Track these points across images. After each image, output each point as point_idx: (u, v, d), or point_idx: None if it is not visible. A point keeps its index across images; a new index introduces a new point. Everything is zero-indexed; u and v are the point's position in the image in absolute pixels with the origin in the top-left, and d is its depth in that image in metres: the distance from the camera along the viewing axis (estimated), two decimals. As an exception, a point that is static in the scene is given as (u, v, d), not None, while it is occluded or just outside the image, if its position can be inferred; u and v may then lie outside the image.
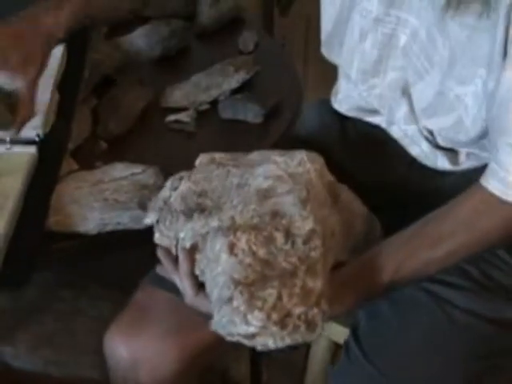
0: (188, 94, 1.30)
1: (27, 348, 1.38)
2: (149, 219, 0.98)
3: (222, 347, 1.12)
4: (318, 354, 1.30)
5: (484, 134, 1.00)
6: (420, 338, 0.99)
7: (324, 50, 1.15)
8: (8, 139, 1.11)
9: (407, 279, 0.96)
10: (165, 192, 0.99)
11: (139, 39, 1.39)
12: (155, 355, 1.06)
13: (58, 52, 1.26)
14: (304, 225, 0.87)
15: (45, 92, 1.18)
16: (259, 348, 0.83)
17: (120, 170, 1.12)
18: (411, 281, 0.97)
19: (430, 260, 0.96)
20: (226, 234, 0.86)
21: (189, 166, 1.04)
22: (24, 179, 1.07)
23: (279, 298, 0.82)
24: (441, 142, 1.08)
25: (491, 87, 0.93)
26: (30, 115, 1.06)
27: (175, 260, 0.93)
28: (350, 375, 1.01)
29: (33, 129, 1.13)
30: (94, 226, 1.06)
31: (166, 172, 1.13)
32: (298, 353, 1.37)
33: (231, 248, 0.85)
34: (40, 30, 1.09)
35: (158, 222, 0.97)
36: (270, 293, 0.82)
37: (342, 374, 1.03)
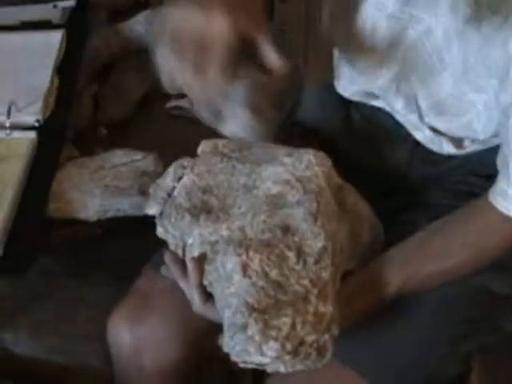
0: (188, 80, 1.30)
1: (28, 334, 1.37)
2: (151, 210, 0.96)
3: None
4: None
5: (494, 135, 1.00)
6: (400, 299, 1.00)
7: (328, 37, 1.14)
8: (8, 124, 1.11)
9: (412, 292, 0.96)
10: (167, 182, 0.97)
11: (139, 25, 1.38)
12: (159, 342, 1.06)
13: (57, 37, 1.26)
14: (315, 242, 0.86)
15: (45, 77, 1.18)
16: (269, 371, 0.83)
17: (120, 157, 1.12)
18: (415, 293, 0.97)
19: (435, 275, 0.95)
20: (238, 253, 0.85)
21: (189, 152, 1.03)
22: (24, 165, 1.07)
23: (293, 326, 0.81)
24: (445, 132, 1.08)
25: (504, 101, 0.93)
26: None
27: (183, 265, 0.92)
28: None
29: (32, 114, 1.13)
30: (95, 212, 1.06)
31: (166, 158, 1.13)
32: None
33: (244, 269, 0.84)
34: None
35: (161, 214, 0.95)
36: (284, 322, 0.81)
37: None
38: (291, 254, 0.85)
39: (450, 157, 1.08)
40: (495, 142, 1.00)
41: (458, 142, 1.07)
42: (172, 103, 1.26)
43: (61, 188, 1.07)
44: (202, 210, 0.91)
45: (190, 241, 0.90)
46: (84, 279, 1.45)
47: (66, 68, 1.24)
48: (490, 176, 1.02)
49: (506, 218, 0.92)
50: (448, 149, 1.07)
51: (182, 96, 1.28)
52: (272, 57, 0.85)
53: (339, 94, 1.19)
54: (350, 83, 1.16)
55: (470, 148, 1.06)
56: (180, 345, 1.06)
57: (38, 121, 1.13)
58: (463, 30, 0.94)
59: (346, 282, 0.92)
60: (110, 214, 1.07)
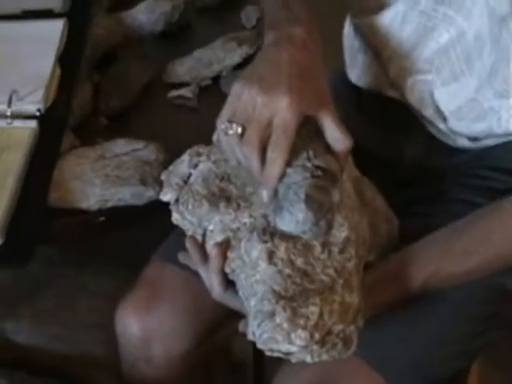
0: (190, 70, 1.30)
1: (29, 324, 1.37)
2: (166, 196, 0.95)
3: (232, 325, 1.12)
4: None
5: None
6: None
7: (357, 21, 1.13)
8: (9, 113, 1.11)
9: (434, 290, 0.95)
10: (182, 167, 0.95)
11: (141, 14, 1.38)
12: (168, 333, 1.06)
13: (58, 26, 1.25)
14: (339, 233, 0.85)
15: (46, 66, 1.18)
16: (293, 361, 0.82)
17: (121, 146, 1.11)
18: (435, 292, 0.97)
19: (458, 274, 0.94)
20: (264, 239, 0.84)
21: (191, 141, 1.03)
22: (25, 154, 1.07)
23: (321, 315, 0.80)
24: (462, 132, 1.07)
25: None
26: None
27: (203, 251, 0.91)
28: None
29: (34, 103, 1.13)
30: (96, 202, 1.06)
31: (168, 148, 1.12)
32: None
33: (270, 256, 0.82)
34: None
35: (176, 201, 0.94)
36: (312, 310, 0.80)
37: None
38: (316, 244, 0.84)
39: (464, 150, 1.08)
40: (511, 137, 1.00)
41: (472, 137, 1.06)
42: (174, 92, 1.26)
43: (61, 177, 1.07)
44: (220, 198, 0.90)
45: (210, 227, 0.89)
46: (85, 268, 1.45)
47: (68, 57, 1.24)
48: (505, 170, 1.02)
49: None
50: (463, 143, 1.07)
51: (185, 85, 1.28)
52: (335, 134, 0.84)
53: (351, 83, 1.19)
54: (364, 73, 1.15)
55: (485, 142, 1.06)
56: (189, 335, 1.06)
57: (39, 110, 1.13)
58: (498, 33, 0.93)
59: (367, 274, 0.90)
60: (110, 204, 1.06)
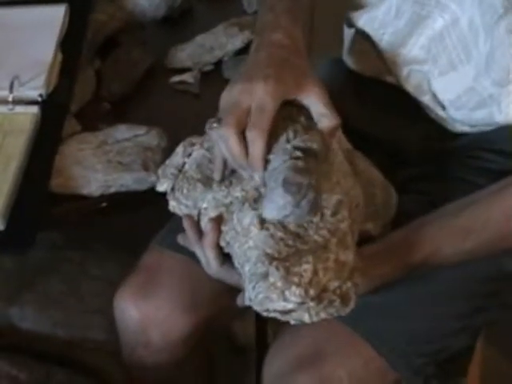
0: (192, 55, 1.29)
1: (34, 309, 1.38)
2: (162, 187, 0.96)
3: (232, 311, 1.12)
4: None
5: None
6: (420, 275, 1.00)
7: (352, 14, 1.13)
8: (11, 99, 1.11)
9: (434, 266, 0.95)
10: (177, 158, 0.97)
11: (143, 0, 1.37)
12: (166, 318, 1.06)
13: (60, 11, 1.25)
14: (331, 196, 0.85)
15: (47, 52, 1.18)
16: (292, 323, 0.82)
17: (123, 132, 1.11)
18: (437, 268, 0.97)
19: (458, 253, 0.93)
20: (254, 207, 0.85)
21: (193, 127, 1.03)
22: (27, 140, 1.07)
23: (315, 272, 0.81)
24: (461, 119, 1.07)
25: None
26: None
27: (199, 230, 0.91)
28: None
29: (35, 89, 1.13)
30: (97, 187, 1.06)
31: (170, 133, 1.12)
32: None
33: (261, 222, 0.83)
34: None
35: (172, 189, 0.95)
36: (306, 268, 0.81)
37: None
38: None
39: (463, 134, 1.08)
40: None
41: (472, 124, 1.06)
42: (176, 78, 1.26)
43: (63, 163, 1.07)
44: (213, 179, 0.90)
45: (204, 205, 0.90)
46: (88, 253, 1.46)
47: (69, 43, 1.24)
48: (503, 152, 1.02)
49: None
50: (462, 127, 1.07)
51: (186, 70, 1.28)
52: (320, 110, 0.86)
53: (350, 69, 1.19)
54: (363, 60, 1.15)
55: (483, 127, 1.06)
56: (187, 320, 1.06)
57: (40, 95, 1.13)
58: (492, 24, 0.92)
59: (368, 247, 0.92)
60: (112, 190, 1.07)
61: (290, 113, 0.88)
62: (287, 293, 0.80)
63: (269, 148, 0.85)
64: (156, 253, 1.09)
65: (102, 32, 1.30)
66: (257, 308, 0.82)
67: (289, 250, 0.82)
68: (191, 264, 0.99)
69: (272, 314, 0.81)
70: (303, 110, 0.88)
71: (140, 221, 1.16)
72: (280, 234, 0.83)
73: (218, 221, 0.87)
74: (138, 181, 1.07)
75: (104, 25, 1.31)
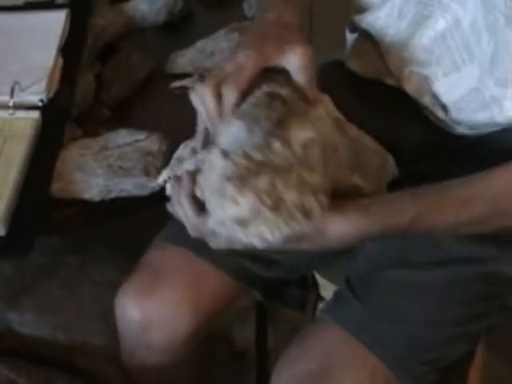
0: (193, 60, 1.30)
1: (34, 314, 1.38)
2: (161, 177, 0.96)
3: (231, 312, 1.12)
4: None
5: None
6: (407, 276, 1.00)
7: (355, 17, 1.14)
8: (11, 104, 1.11)
9: (421, 231, 0.93)
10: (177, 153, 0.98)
11: (143, 5, 1.37)
12: (169, 318, 1.06)
13: (61, 17, 1.25)
14: (303, 133, 0.86)
15: (48, 57, 1.18)
16: (255, 242, 0.81)
17: (124, 137, 1.11)
18: (424, 233, 0.96)
19: (448, 220, 0.93)
20: (221, 147, 0.86)
21: (193, 132, 1.03)
22: (28, 145, 1.07)
23: (272, 185, 0.81)
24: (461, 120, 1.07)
25: None
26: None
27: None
28: (333, 306, 1.02)
29: (36, 94, 1.13)
30: (98, 192, 1.06)
31: (171, 138, 1.12)
32: (305, 319, 1.38)
33: (225, 154, 0.84)
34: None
35: (169, 178, 0.96)
36: (263, 180, 0.81)
37: (326, 306, 1.03)
38: (276, 142, 0.84)
39: (464, 136, 1.08)
40: None
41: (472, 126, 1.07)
42: (176, 83, 1.26)
43: (64, 168, 1.07)
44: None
45: (186, 165, 0.90)
46: (88, 258, 1.46)
47: (70, 48, 1.24)
48: (501, 154, 1.02)
49: None
50: (462, 130, 1.07)
51: (187, 76, 1.28)
52: (295, 64, 0.89)
53: (351, 71, 1.19)
54: (364, 62, 1.15)
55: (483, 129, 1.06)
56: (189, 321, 1.06)
57: (41, 100, 1.13)
58: (493, 20, 0.93)
59: (363, 199, 0.91)
60: (113, 194, 1.07)
61: (269, 76, 0.90)
62: (240, 198, 0.80)
63: None
64: (159, 249, 1.10)
65: (103, 37, 1.30)
66: (216, 227, 0.82)
67: (249, 172, 0.82)
68: (194, 258, 1.00)
69: (230, 229, 0.81)
70: (284, 74, 0.90)
71: (140, 226, 1.16)
72: (244, 161, 0.82)
73: (194, 172, 0.88)
74: (139, 186, 1.07)
75: (104, 30, 1.31)
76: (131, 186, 1.07)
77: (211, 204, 0.83)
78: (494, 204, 0.92)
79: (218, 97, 0.88)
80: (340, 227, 0.87)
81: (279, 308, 1.20)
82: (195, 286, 1.05)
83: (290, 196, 0.81)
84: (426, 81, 1.04)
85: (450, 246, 1.01)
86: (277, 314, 1.60)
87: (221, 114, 0.88)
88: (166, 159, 1.05)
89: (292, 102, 0.88)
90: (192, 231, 0.89)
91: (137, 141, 1.11)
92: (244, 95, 0.88)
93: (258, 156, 0.83)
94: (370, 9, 1.08)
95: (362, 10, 1.10)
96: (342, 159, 0.91)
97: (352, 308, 1.00)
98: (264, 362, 1.52)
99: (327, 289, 1.23)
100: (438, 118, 1.07)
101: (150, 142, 1.11)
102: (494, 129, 1.04)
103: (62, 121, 1.13)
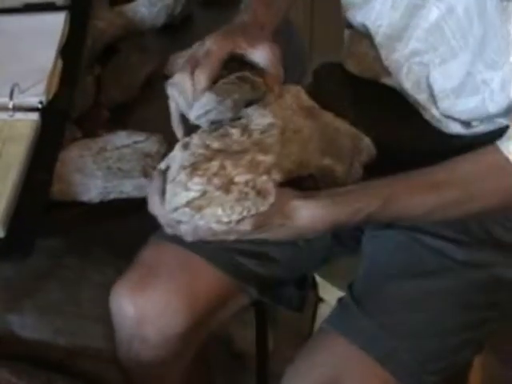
0: (192, 62, 1.29)
1: (34, 317, 1.38)
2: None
3: (228, 309, 1.12)
4: (324, 323, 1.30)
5: (503, 114, 0.99)
6: (414, 286, 1.00)
7: (349, 13, 1.14)
8: (11, 106, 1.11)
9: (395, 213, 0.94)
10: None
11: (143, 7, 1.38)
12: (163, 313, 1.06)
13: (60, 19, 1.25)
14: (263, 120, 0.88)
15: (48, 59, 1.18)
16: (215, 226, 0.83)
17: (123, 138, 1.12)
18: (396, 219, 0.96)
19: (421, 202, 0.94)
20: (184, 140, 0.90)
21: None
22: (27, 147, 1.07)
23: (222, 167, 0.83)
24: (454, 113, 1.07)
25: None
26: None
27: None
28: (339, 318, 1.01)
29: (36, 96, 1.13)
30: (97, 194, 1.06)
31: (170, 140, 1.12)
32: (305, 321, 1.37)
33: (185, 146, 0.87)
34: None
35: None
36: (213, 164, 0.83)
37: (332, 318, 1.03)
38: (235, 131, 0.87)
39: (458, 136, 1.08)
40: (504, 122, 1.00)
41: (465, 122, 1.06)
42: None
43: (63, 170, 1.07)
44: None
45: (159, 166, 0.92)
46: (88, 260, 1.45)
47: (70, 50, 1.24)
48: None
49: (506, 161, 0.91)
50: (456, 128, 1.07)
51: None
52: (261, 54, 0.94)
53: (349, 72, 1.19)
54: (361, 62, 1.16)
55: (478, 128, 1.06)
56: (183, 316, 1.06)
57: (41, 102, 1.13)
58: (483, 4, 0.93)
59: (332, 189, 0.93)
60: (112, 196, 1.07)
61: (240, 65, 0.94)
62: (189, 183, 0.82)
63: None
64: (154, 246, 1.10)
65: (102, 39, 1.31)
66: (170, 212, 0.85)
67: (204, 159, 0.84)
68: (189, 255, 1.00)
69: (181, 212, 0.83)
70: (254, 68, 0.94)
71: (140, 227, 1.16)
72: (201, 150, 0.85)
73: (164, 170, 0.90)
74: (138, 187, 1.07)
75: (104, 32, 1.31)
76: (130, 187, 1.07)
77: (167, 194, 0.85)
78: (464, 189, 0.93)
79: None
80: (311, 213, 0.88)
81: (279, 309, 1.20)
82: (189, 282, 1.06)
83: (241, 177, 0.83)
84: (423, 75, 1.04)
85: (456, 252, 1.02)
86: (277, 315, 1.60)
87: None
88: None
89: (260, 89, 0.92)
90: (166, 227, 0.91)
91: (136, 142, 1.11)
92: (216, 79, 0.92)
93: (215, 144, 0.85)
94: (363, 2, 1.09)
95: (356, 3, 1.11)
96: (311, 143, 0.92)
97: (360, 320, 0.99)
98: (264, 363, 1.52)
99: (327, 290, 1.23)
100: (432, 116, 1.08)
101: (148, 143, 1.11)
102: (487, 128, 1.04)
103: (61, 122, 1.13)
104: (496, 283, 1.02)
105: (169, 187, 0.85)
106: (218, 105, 0.86)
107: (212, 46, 0.93)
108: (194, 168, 0.83)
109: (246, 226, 0.85)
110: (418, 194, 0.93)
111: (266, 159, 0.84)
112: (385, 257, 1.05)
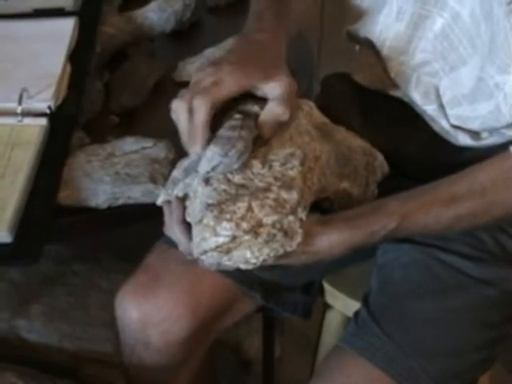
0: (201, 68, 1.30)
1: (41, 322, 1.38)
2: (160, 199, 0.97)
3: (233, 315, 1.12)
4: (331, 329, 1.30)
5: None
6: (431, 304, 0.99)
7: (352, 27, 1.14)
8: (19, 111, 1.11)
9: (412, 230, 0.94)
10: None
11: (152, 13, 1.38)
12: (167, 318, 1.07)
13: (69, 24, 1.25)
14: (282, 150, 0.87)
15: (56, 64, 1.18)
16: (242, 266, 0.83)
17: (131, 144, 1.12)
18: (413, 234, 0.96)
19: (438, 217, 0.93)
20: (203, 173, 0.88)
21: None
22: (35, 152, 1.08)
23: (249, 209, 0.82)
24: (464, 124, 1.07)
25: None
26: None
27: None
28: (357, 337, 1.01)
29: (44, 101, 1.13)
30: (105, 200, 1.06)
31: (178, 146, 1.12)
32: (311, 327, 1.37)
33: (207, 181, 0.86)
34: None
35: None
36: (240, 206, 0.82)
37: (349, 336, 1.02)
38: (256, 162, 0.86)
39: (467, 148, 1.07)
40: None
41: (474, 133, 1.06)
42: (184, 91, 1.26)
43: (71, 175, 1.07)
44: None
45: (175, 191, 0.91)
46: (95, 265, 1.46)
47: (79, 55, 1.24)
48: None
49: None
50: (464, 140, 1.07)
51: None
52: (270, 85, 0.87)
53: (357, 84, 1.19)
54: (368, 74, 1.16)
55: (487, 140, 1.05)
56: (188, 322, 1.07)
57: (49, 108, 1.13)
58: (488, 8, 0.93)
59: (352, 209, 0.92)
60: (120, 202, 1.07)
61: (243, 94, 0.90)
62: (218, 228, 0.81)
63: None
64: (159, 251, 1.10)
65: (111, 45, 1.31)
66: (198, 254, 0.84)
67: (228, 197, 0.83)
68: (194, 261, 1.00)
69: (211, 256, 0.82)
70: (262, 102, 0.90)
71: (147, 233, 1.16)
72: (223, 186, 0.84)
73: (183, 198, 0.89)
74: (146, 193, 1.07)
75: (113, 38, 1.31)
76: (138, 193, 1.07)
77: (194, 236, 0.85)
78: (485, 197, 0.92)
79: (191, 112, 0.87)
80: (329, 238, 0.88)
81: (286, 316, 1.20)
82: (194, 288, 1.06)
83: (268, 218, 0.82)
84: (433, 86, 1.04)
85: (472, 268, 1.01)
86: (284, 321, 1.60)
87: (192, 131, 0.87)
88: (173, 167, 1.05)
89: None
90: (186, 255, 0.90)
91: (144, 148, 1.11)
92: (219, 112, 0.87)
93: (237, 179, 0.84)
94: (367, 15, 1.08)
95: (359, 17, 1.10)
96: (329, 168, 0.93)
97: (378, 340, 0.99)
98: (271, 371, 1.52)
99: (335, 296, 1.22)
100: (442, 128, 1.07)
101: (157, 149, 1.11)
102: (497, 140, 1.03)
103: (69, 128, 1.13)
104: (505, 297, 1.02)
105: (196, 230, 0.84)
106: (223, 158, 0.84)
107: (225, 76, 0.86)
108: (220, 210, 0.82)
109: (271, 261, 0.85)
110: (435, 210, 0.92)
111: (291, 198, 0.84)
112: (400, 271, 1.04)
